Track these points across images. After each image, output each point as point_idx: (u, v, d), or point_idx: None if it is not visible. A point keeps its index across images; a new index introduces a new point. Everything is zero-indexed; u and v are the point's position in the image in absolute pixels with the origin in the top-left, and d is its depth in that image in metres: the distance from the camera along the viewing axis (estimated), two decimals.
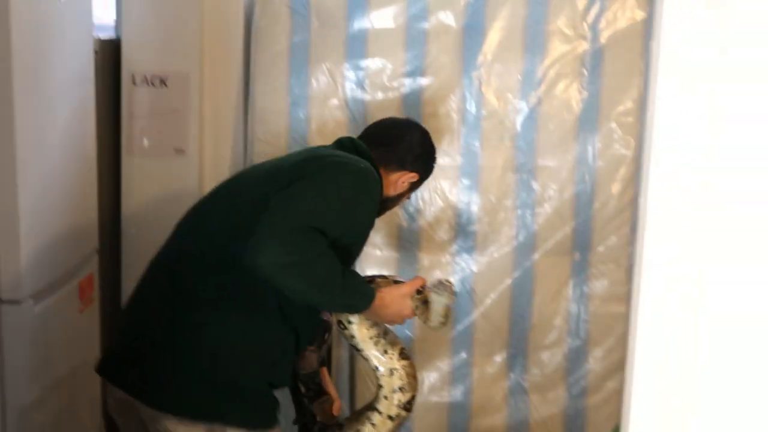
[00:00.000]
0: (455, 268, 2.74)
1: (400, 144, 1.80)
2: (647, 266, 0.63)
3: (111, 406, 1.77)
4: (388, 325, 1.90)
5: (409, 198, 1.96)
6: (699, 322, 0.61)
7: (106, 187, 2.52)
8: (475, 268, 2.74)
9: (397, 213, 2.72)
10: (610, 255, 2.71)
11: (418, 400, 2.71)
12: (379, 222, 2.72)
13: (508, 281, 2.74)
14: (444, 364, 2.77)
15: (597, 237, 2.71)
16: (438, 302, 1.80)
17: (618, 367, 2.73)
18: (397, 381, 1.87)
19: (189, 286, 1.67)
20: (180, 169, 2.46)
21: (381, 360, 1.86)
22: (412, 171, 1.85)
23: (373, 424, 1.88)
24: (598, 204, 2.70)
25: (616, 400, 2.74)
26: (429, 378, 2.77)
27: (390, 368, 1.86)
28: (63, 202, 2.05)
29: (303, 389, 1.94)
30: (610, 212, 2.70)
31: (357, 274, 1.72)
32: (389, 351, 1.87)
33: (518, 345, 2.76)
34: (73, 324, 2.16)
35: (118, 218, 2.58)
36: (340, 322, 1.86)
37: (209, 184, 2.50)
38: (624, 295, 2.72)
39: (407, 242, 2.74)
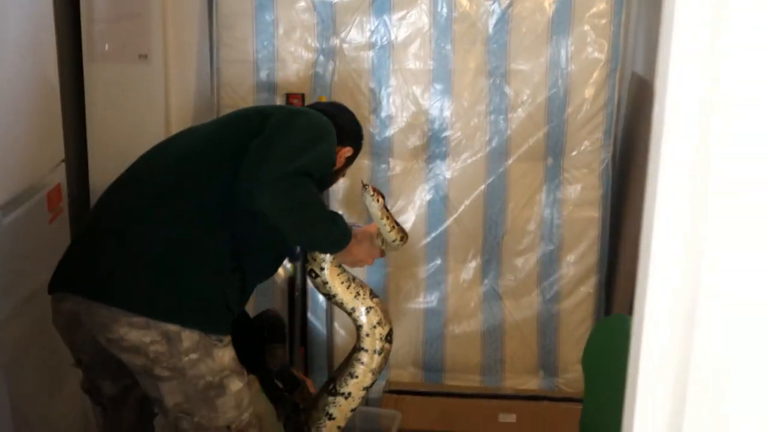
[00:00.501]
0: (428, 175, 2.77)
1: (335, 121, 1.85)
2: (655, 254, 0.62)
3: (59, 324, 1.78)
4: (354, 269, 2.02)
5: (344, 175, 2.04)
6: (711, 309, 0.61)
7: (70, 95, 2.50)
8: (448, 175, 2.76)
9: (367, 119, 2.73)
10: (583, 160, 2.74)
11: (394, 307, 2.80)
12: None
13: (482, 187, 2.76)
14: (419, 271, 2.82)
15: (570, 142, 2.73)
16: (368, 204, 1.87)
17: (590, 271, 2.80)
18: (374, 317, 1.98)
19: (158, 201, 1.74)
20: (144, 75, 2.43)
21: (355, 301, 1.97)
22: (348, 146, 1.94)
23: (363, 363, 1.99)
24: (571, 108, 2.72)
25: (589, 303, 2.82)
26: (405, 285, 2.82)
27: (366, 307, 1.98)
28: (26, 113, 2.03)
29: (281, 385, 2.06)
30: (584, 117, 2.72)
31: (337, 213, 1.83)
32: (361, 292, 1.99)
33: (492, 251, 2.81)
34: (43, 236, 2.17)
35: (83, 127, 2.57)
36: (312, 271, 1.96)
37: (175, 91, 2.51)
38: (596, 199, 2.76)
39: (379, 149, 2.75)
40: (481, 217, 2.78)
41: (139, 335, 1.65)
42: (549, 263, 2.81)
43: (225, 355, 1.72)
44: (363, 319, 1.98)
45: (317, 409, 2.07)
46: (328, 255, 1.92)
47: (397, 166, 2.77)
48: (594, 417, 1.89)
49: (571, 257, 2.80)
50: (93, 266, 1.73)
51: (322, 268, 1.95)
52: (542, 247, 2.80)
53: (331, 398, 2.04)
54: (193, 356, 1.66)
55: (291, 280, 2.79)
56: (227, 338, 1.73)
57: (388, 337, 2.01)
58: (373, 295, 2.02)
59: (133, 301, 1.67)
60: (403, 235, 1.98)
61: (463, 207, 2.78)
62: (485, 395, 2.71)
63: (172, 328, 1.65)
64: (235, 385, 1.72)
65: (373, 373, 2.00)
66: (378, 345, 1.99)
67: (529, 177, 2.76)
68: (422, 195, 2.77)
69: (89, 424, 2.42)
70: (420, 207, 2.78)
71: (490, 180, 2.76)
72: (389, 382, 2.80)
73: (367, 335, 1.98)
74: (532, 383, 2.86)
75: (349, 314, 2.01)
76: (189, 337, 1.66)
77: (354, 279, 2.01)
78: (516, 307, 2.83)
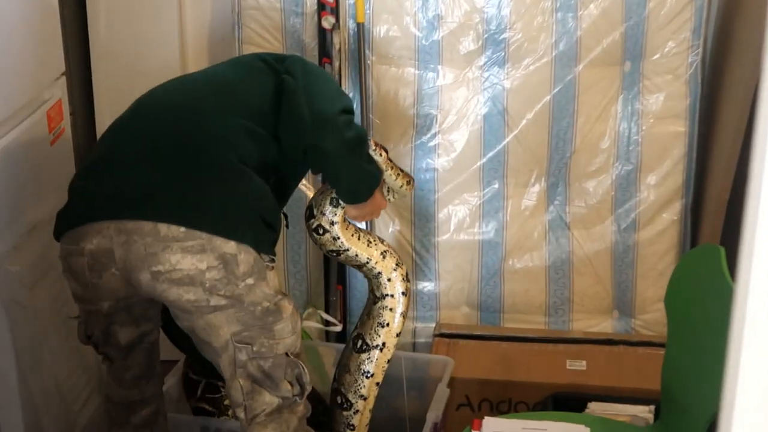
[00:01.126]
0: (483, 84, 2.73)
1: None
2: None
3: (77, 268, 1.78)
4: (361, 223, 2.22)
5: None
6: None
7: (71, 7, 2.50)
8: (507, 84, 2.73)
9: (412, 19, 2.69)
10: (667, 64, 2.69)
11: (445, 239, 2.80)
12: (395, 31, 2.70)
13: (547, 98, 2.73)
14: (473, 198, 2.82)
15: (651, 43, 2.68)
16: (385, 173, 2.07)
17: (674, 195, 2.78)
18: (391, 260, 2.14)
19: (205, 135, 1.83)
20: None
21: (369, 250, 2.11)
22: None
23: (391, 310, 2.12)
24: (652, 3, 2.65)
25: (672, 233, 2.80)
26: (457, 214, 2.83)
27: (381, 252, 2.12)
28: (21, 19, 2.04)
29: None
30: (668, 13, 2.66)
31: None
32: (371, 240, 2.13)
33: (559, 173, 2.79)
34: (44, 159, 2.20)
35: (86, 39, 2.57)
36: (319, 228, 2.05)
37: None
38: (682, 111, 2.72)
39: (426, 55, 2.72)
40: (546, 134, 2.76)
41: (194, 261, 1.69)
42: (626, 186, 2.79)
43: (274, 277, 1.83)
44: (380, 265, 2.12)
45: (350, 372, 2.15)
46: (338, 209, 2.03)
47: (447, 74, 2.74)
48: (679, 364, 1.88)
49: (651, 179, 2.78)
50: (134, 186, 1.75)
51: (333, 222, 2.04)
52: (618, 168, 2.78)
53: (364, 355, 2.14)
54: (250, 281, 1.73)
55: None
56: (274, 260, 1.83)
57: (408, 276, 2.18)
58: (380, 238, 2.16)
59: (190, 215, 1.72)
60: (410, 179, 2.14)
61: (524, 122, 2.75)
62: (550, 339, 2.73)
63: (229, 249, 1.71)
64: (288, 308, 1.81)
65: (403, 317, 2.15)
66: (402, 286, 2.14)
67: (602, 85, 2.72)
68: (477, 108, 2.75)
69: (91, 372, 2.48)
70: (474, 122, 2.76)
71: (557, 89, 2.72)
72: (440, 324, 2.83)
73: (389, 280, 2.13)
74: (605, 325, 2.86)
75: (362, 267, 2.14)
76: (245, 260, 1.73)
77: (359, 229, 2.14)
78: (586, 237, 2.82)
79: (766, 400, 0.63)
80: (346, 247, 2.08)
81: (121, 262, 1.73)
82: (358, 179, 1.96)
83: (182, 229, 1.70)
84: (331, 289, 2.83)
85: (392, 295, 2.13)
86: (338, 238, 2.06)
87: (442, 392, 2.33)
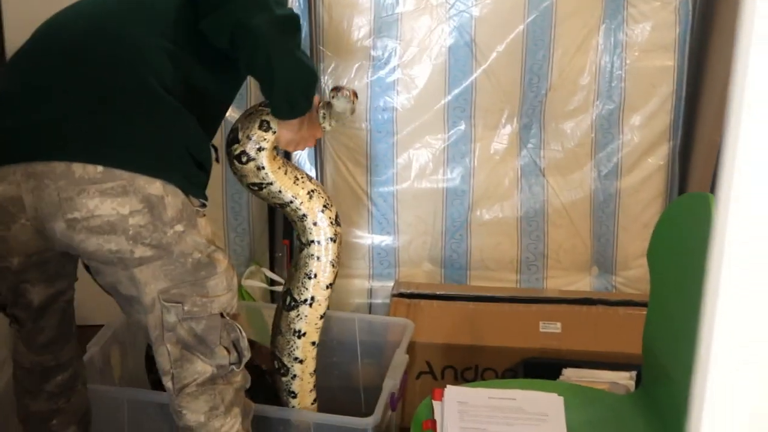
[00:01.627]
0: (449, 12, 2.70)
1: None
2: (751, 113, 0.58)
3: None
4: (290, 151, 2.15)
5: None
6: None
7: None
8: (475, 12, 2.70)
9: None
10: None
11: (405, 187, 2.79)
12: None
13: (520, 28, 2.70)
14: (436, 140, 2.80)
15: None
16: (341, 108, 2.02)
17: (661, 137, 2.78)
18: (318, 201, 2.09)
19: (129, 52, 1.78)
20: None
21: (295, 187, 2.06)
22: None
23: (317, 258, 2.09)
24: None
25: (658, 179, 2.81)
26: (418, 159, 2.82)
27: (308, 191, 2.08)
28: None
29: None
30: None
31: None
32: (298, 176, 2.08)
33: (533, 112, 2.78)
34: None
35: None
36: (243, 154, 1.99)
37: None
38: (671, 42, 2.71)
39: None
40: (519, 68, 2.74)
41: (114, 206, 1.65)
42: (607, 127, 2.79)
43: (207, 225, 1.79)
44: (306, 206, 2.07)
45: (282, 333, 2.14)
46: (269, 133, 1.98)
47: (408, 0, 2.70)
48: (662, 325, 1.89)
49: (636, 119, 2.78)
50: (41, 121, 1.70)
51: (260, 149, 1.99)
52: (598, 107, 2.78)
53: (293, 312, 2.11)
54: (179, 228, 1.70)
55: None
56: (205, 204, 1.81)
57: (338, 220, 2.13)
58: (309, 177, 2.11)
59: (107, 152, 1.67)
60: (352, 92, 2.05)
61: (494, 54, 2.73)
62: (522, 299, 2.73)
63: (154, 191, 1.67)
64: (222, 262, 1.78)
65: (333, 265, 2.10)
66: (330, 231, 2.10)
67: (582, 13, 2.71)
68: (441, 39, 2.72)
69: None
70: (438, 55, 2.74)
71: (531, 18, 2.70)
72: (399, 282, 2.82)
73: (315, 224, 2.09)
74: (582, 283, 2.88)
75: (285, 206, 2.09)
76: (172, 203, 1.69)
77: (287, 162, 2.09)
78: (563, 185, 2.83)
79: (743, 356, 0.62)
80: (270, 180, 2.02)
81: (31, 211, 1.69)
82: (294, 74, 1.84)
83: (99, 168, 1.65)
84: (277, 244, 2.81)
85: (318, 242, 2.09)
86: (263, 167, 2.00)
87: (400, 358, 2.33)
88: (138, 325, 1.81)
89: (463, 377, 2.60)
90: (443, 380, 2.59)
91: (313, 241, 2.09)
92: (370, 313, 2.86)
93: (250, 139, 1.99)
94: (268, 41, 1.78)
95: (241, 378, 1.87)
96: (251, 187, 2.06)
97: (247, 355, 1.83)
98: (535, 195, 2.83)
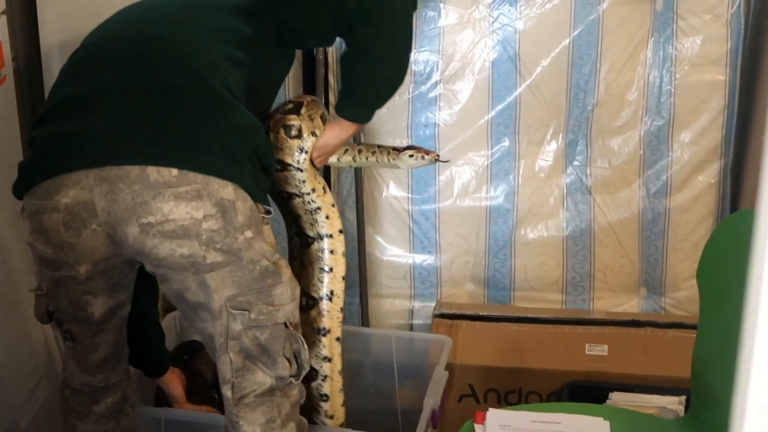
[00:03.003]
0: (492, 25, 2.70)
1: None
2: None
3: (48, 227, 1.74)
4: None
5: None
6: None
7: None
8: (520, 25, 2.69)
9: None
10: (706, 2, 2.65)
11: (448, 205, 2.79)
12: None
13: (566, 41, 2.69)
14: (479, 157, 2.79)
15: None
16: (408, 165, 2.12)
17: (712, 154, 2.75)
18: (330, 196, 2.13)
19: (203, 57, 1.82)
20: None
21: (315, 182, 2.10)
22: None
23: (332, 251, 2.11)
24: None
25: (709, 198, 2.78)
26: (461, 176, 2.81)
27: (323, 186, 2.11)
28: None
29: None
30: None
31: None
32: (316, 172, 2.12)
33: (579, 128, 2.77)
34: None
35: None
36: (296, 128, 2.03)
37: None
38: (722, 57, 2.68)
39: None
40: (564, 83, 2.73)
41: (189, 210, 1.67)
42: (656, 144, 2.76)
43: (270, 233, 1.83)
44: (321, 199, 2.10)
45: (305, 336, 2.12)
46: (324, 125, 2.04)
47: (450, 13, 2.71)
48: (712, 347, 1.86)
49: (685, 135, 2.75)
50: (114, 125, 1.73)
51: (314, 134, 2.04)
52: (647, 123, 2.76)
53: (314, 312, 2.13)
54: (248, 234, 1.73)
55: None
56: (270, 212, 1.85)
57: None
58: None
59: (182, 156, 1.71)
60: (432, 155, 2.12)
61: (539, 69, 2.72)
62: (568, 321, 2.72)
63: (227, 195, 1.70)
64: (286, 271, 1.81)
65: (344, 256, 2.14)
66: (339, 223, 2.13)
67: (630, 26, 2.69)
68: (484, 53, 2.72)
69: (38, 358, 2.46)
70: (481, 70, 2.73)
71: (577, 31, 2.69)
72: (441, 303, 2.82)
73: (328, 217, 2.11)
74: (630, 305, 2.86)
75: (299, 197, 2.10)
76: (242, 209, 1.72)
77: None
78: (610, 203, 2.81)
79: None
80: (302, 167, 2.04)
81: (104, 216, 1.70)
82: (395, 77, 1.95)
83: (174, 171, 1.68)
84: None
85: (331, 235, 2.10)
86: (304, 150, 2.03)
87: (439, 375, 2.32)
88: (201, 333, 1.82)
89: (506, 401, 2.59)
90: (486, 403, 2.58)
91: (325, 235, 2.10)
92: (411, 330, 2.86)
93: (312, 120, 2.02)
94: (385, 21, 1.88)
95: (297, 392, 1.88)
96: (276, 163, 2.05)
97: (306, 367, 1.85)
98: (581, 213, 2.82)
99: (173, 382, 2.22)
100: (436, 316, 2.74)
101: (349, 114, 1.99)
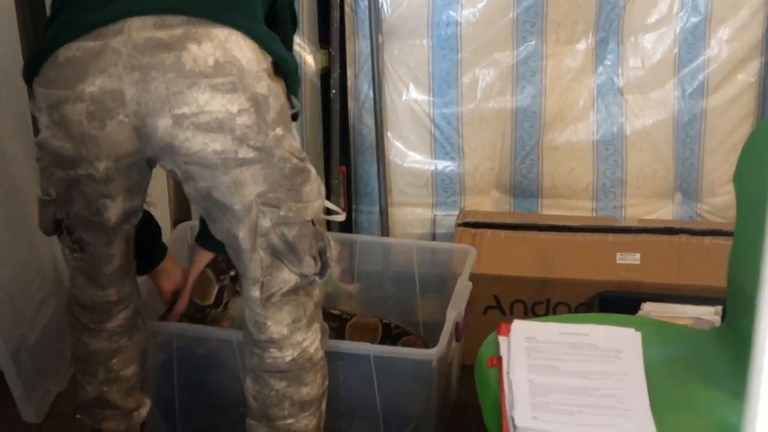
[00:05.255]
0: None
1: None
2: None
3: (71, 114, 1.70)
4: None
5: None
6: None
7: None
8: None
9: None
10: None
11: (471, 109, 2.76)
12: None
13: None
14: (504, 57, 2.77)
15: None
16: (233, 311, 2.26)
17: (751, 52, 2.73)
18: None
19: None
20: None
21: None
22: None
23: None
24: None
25: (748, 98, 2.76)
26: (485, 78, 2.79)
27: None
28: None
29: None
30: None
31: None
32: None
33: (610, 25, 2.74)
34: None
35: None
36: None
37: None
38: None
39: None
40: None
41: (224, 102, 1.67)
42: (692, 42, 2.74)
43: (295, 132, 1.85)
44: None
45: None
46: None
47: None
48: (749, 255, 1.84)
49: (724, 32, 2.73)
50: None
51: None
52: (683, 19, 2.73)
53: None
54: (279, 131, 1.74)
55: (325, 72, 2.76)
56: (297, 114, 1.87)
57: None
58: None
59: (235, 18, 1.71)
60: None
61: None
62: (598, 228, 2.71)
63: (261, 89, 1.71)
64: (312, 169, 1.83)
65: None
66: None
67: None
68: None
69: (45, 272, 2.48)
70: None
71: None
72: (464, 211, 2.82)
73: None
74: (664, 211, 2.87)
75: None
76: (274, 105, 1.73)
77: None
78: (643, 105, 2.80)
79: None
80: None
81: (133, 106, 1.67)
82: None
83: (210, 60, 1.67)
84: (333, 171, 2.80)
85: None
86: None
87: (463, 286, 2.32)
88: (226, 234, 1.82)
89: (533, 312, 2.59)
90: (512, 315, 2.58)
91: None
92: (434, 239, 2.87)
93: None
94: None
95: (319, 293, 1.92)
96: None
97: (331, 266, 1.89)
98: (612, 116, 2.80)
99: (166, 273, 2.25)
100: (459, 225, 2.74)
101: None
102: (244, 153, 1.71)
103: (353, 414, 2.12)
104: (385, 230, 2.84)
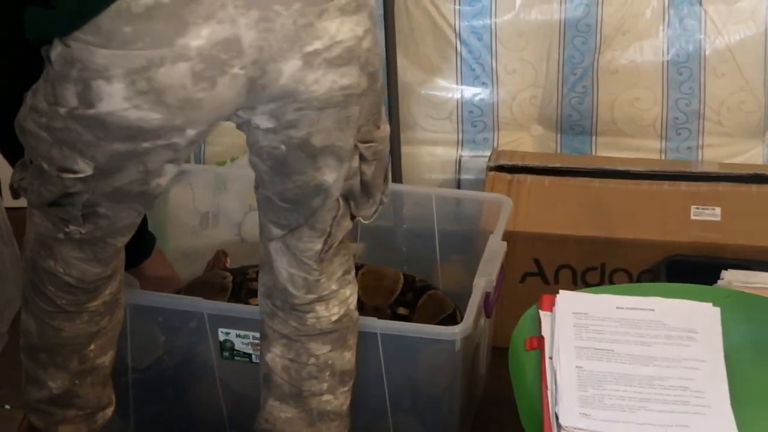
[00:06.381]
0: None
1: None
2: None
3: (171, 78, 1.65)
4: None
5: None
6: None
7: None
8: None
9: None
10: None
11: (508, 20, 2.83)
12: None
13: None
14: None
15: None
16: None
17: None
18: None
19: None
20: None
21: None
22: None
23: None
24: None
25: None
26: None
27: None
28: None
29: None
30: None
31: None
32: None
33: None
34: None
35: None
36: None
37: None
38: None
39: None
40: None
41: (352, 26, 1.73)
42: None
43: None
44: None
45: None
46: None
47: None
48: None
49: None
50: None
51: None
52: None
53: None
54: (375, 49, 1.81)
55: None
56: None
57: None
58: None
59: None
60: None
61: None
62: (668, 175, 2.71)
63: (373, 1, 1.76)
64: None
65: None
66: None
67: None
68: None
69: None
70: None
71: None
72: (498, 152, 2.83)
73: None
74: (752, 154, 2.89)
75: None
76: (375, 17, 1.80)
77: None
78: (728, 17, 2.82)
79: None
80: None
81: (252, 53, 1.66)
82: None
83: None
84: None
85: None
86: None
87: (494, 247, 2.33)
88: (302, 189, 1.84)
89: (584, 281, 2.61)
90: (557, 285, 2.60)
91: None
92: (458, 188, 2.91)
93: None
94: None
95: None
96: None
97: (386, 201, 1.96)
98: (687, 31, 2.81)
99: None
100: (491, 168, 2.74)
101: None
102: (365, 83, 1.76)
103: (355, 406, 2.12)
104: (396, 175, 2.83)
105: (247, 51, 1.66)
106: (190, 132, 1.72)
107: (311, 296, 1.94)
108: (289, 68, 1.69)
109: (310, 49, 1.68)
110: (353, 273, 2.01)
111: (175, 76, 1.65)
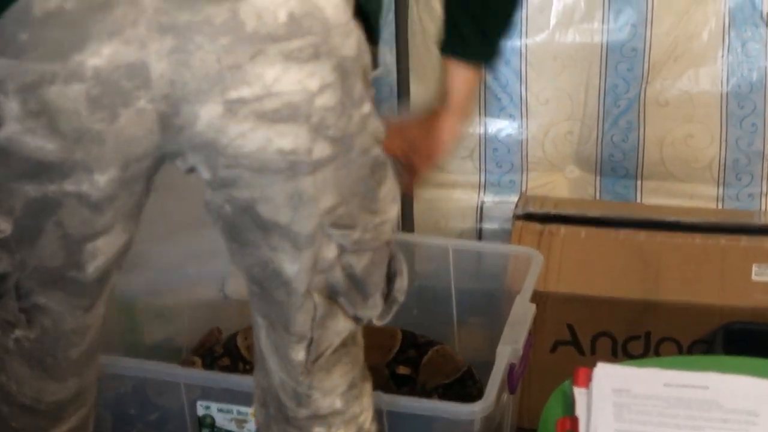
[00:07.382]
0: None
1: None
2: None
3: (64, 99, 1.58)
4: None
5: None
6: None
7: None
8: None
9: None
10: None
11: (541, 41, 2.81)
12: None
13: None
14: None
15: None
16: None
17: None
18: None
19: None
20: None
21: None
22: None
23: None
24: None
25: None
26: None
27: None
28: None
29: None
30: None
31: None
32: None
33: None
34: None
35: None
36: None
37: None
38: None
39: None
40: None
41: (301, 77, 1.63)
42: None
43: None
44: None
45: None
46: None
47: None
48: None
49: None
50: None
51: None
52: None
53: None
54: (366, 109, 1.73)
55: None
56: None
57: None
58: None
59: None
60: None
61: None
62: (726, 227, 2.73)
63: (349, 50, 1.68)
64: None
65: None
66: None
67: None
68: None
69: None
70: None
71: None
72: (526, 197, 2.85)
73: None
74: None
75: None
76: (362, 70, 1.71)
77: None
78: None
79: None
80: None
81: (162, 86, 1.60)
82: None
83: (282, 14, 1.61)
84: None
85: None
86: None
87: (522, 310, 2.33)
88: (261, 269, 1.79)
89: (625, 352, 2.62)
90: (594, 356, 2.60)
91: None
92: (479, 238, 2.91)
93: None
94: None
95: (360, 333, 1.91)
96: None
97: (400, 300, 1.88)
98: (751, 57, 2.83)
99: None
100: (518, 217, 2.76)
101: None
102: (320, 150, 1.67)
103: None
104: (408, 223, 2.87)
105: (155, 82, 1.60)
106: (99, 178, 1.65)
107: (305, 412, 1.88)
108: (207, 113, 1.62)
109: (234, 95, 1.62)
110: (368, 384, 1.93)
111: (68, 98, 1.60)
